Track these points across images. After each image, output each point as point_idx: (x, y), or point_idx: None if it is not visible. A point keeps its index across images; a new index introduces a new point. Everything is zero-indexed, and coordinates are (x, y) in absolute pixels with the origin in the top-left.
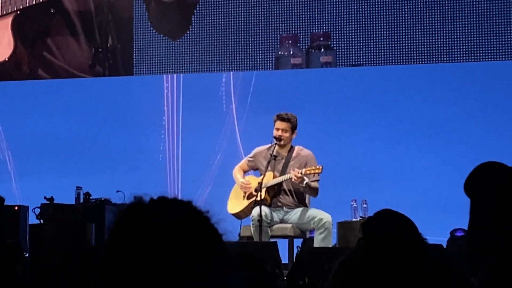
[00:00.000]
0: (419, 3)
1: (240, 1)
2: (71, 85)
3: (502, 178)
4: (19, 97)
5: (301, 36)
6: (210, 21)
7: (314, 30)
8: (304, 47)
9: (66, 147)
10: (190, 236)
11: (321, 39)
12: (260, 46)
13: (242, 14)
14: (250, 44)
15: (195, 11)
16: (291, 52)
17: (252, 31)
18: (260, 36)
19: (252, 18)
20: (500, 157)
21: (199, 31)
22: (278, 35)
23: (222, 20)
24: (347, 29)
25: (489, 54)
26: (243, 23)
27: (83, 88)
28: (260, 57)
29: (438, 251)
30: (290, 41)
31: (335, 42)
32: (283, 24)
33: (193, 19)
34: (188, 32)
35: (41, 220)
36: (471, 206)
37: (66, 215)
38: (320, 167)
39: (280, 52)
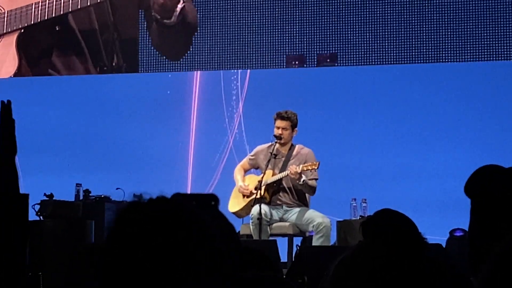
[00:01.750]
0: (425, 17)
1: (246, 19)
2: (72, 82)
3: (503, 180)
4: (18, 93)
5: (307, 57)
6: (213, 41)
7: (320, 51)
8: (310, 67)
9: (66, 143)
10: (189, 238)
11: (328, 60)
12: (266, 66)
13: (247, 32)
14: (256, 63)
15: (196, 33)
16: None
17: (258, 50)
18: (266, 56)
19: (258, 38)
20: (501, 157)
21: (202, 44)
22: (285, 55)
23: (228, 36)
24: (354, 50)
25: (489, 54)
26: (248, 41)
27: (84, 84)
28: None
29: (438, 251)
30: (296, 62)
31: (342, 64)
32: (289, 44)
33: (195, 38)
34: (189, 50)
35: (41, 217)
36: (472, 207)
37: (66, 212)
38: (317, 163)
39: None
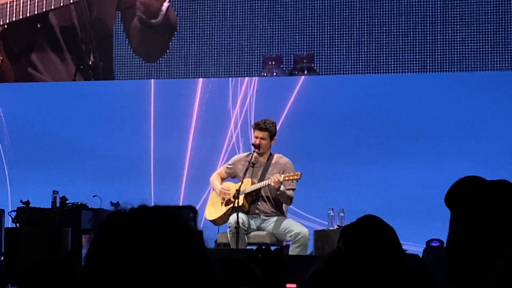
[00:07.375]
0: (404, 24)
1: (223, 21)
2: (49, 88)
3: (483, 192)
4: None
5: (284, 58)
6: (192, 39)
7: (297, 52)
8: (287, 69)
9: (43, 151)
10: (174, 246)
11: (305, 61)
12: (243, 67)
13: (226, 34)
14: (233, 65)
15: (175, 33)
16: (274, 74)
17: (236, 52)
18: (244, 57)
19: (236, 39)
20: (482, 168)
21: (180, 49)
22: (261, 56)
23: (207, 38)
24: (331, 51)
25: (470, 64)
26: (227, 42)
27: (62, 91)
28: (243, 76)
29: (415, 262)
30: (273, 63)
31: (318, 65)
32: (266, 45)
33: (175, 38)
34: (167, 52)
35: (17, 224)
36: (451, 218)
37: (42, 219)
38: (299, 173)
39: (263, 74)
